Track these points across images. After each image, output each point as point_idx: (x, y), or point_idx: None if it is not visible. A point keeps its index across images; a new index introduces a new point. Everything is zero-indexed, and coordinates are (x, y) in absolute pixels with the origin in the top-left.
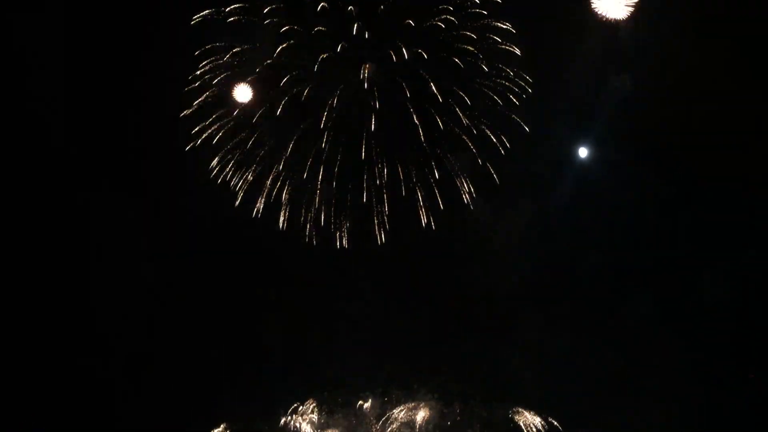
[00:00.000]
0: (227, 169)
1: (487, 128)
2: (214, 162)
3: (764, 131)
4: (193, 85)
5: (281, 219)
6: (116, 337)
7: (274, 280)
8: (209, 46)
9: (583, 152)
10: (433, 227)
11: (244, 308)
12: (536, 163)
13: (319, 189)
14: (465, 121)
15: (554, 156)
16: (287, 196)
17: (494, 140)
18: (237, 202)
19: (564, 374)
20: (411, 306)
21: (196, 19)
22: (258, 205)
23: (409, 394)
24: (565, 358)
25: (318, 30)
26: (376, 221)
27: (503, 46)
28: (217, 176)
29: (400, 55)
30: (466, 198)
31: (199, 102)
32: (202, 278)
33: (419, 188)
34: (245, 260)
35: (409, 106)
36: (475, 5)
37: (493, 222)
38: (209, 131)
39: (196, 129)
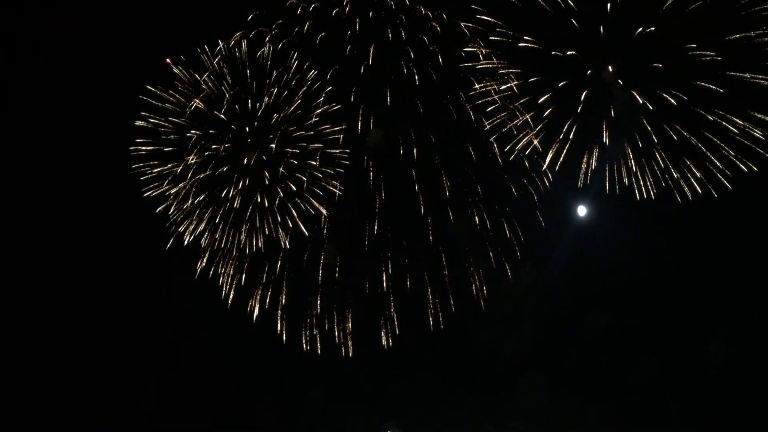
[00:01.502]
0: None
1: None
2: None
3: None
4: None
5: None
6: None
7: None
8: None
9: (582, 211)
10: (442, 327)
11: None
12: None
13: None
14: (477, 218)
15: (554, 215)
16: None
17: (512, 239)
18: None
19: None
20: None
21: None
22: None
23: None
24: (568, 421)
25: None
26: (382, 325)
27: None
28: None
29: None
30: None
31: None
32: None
33: (429, 289)
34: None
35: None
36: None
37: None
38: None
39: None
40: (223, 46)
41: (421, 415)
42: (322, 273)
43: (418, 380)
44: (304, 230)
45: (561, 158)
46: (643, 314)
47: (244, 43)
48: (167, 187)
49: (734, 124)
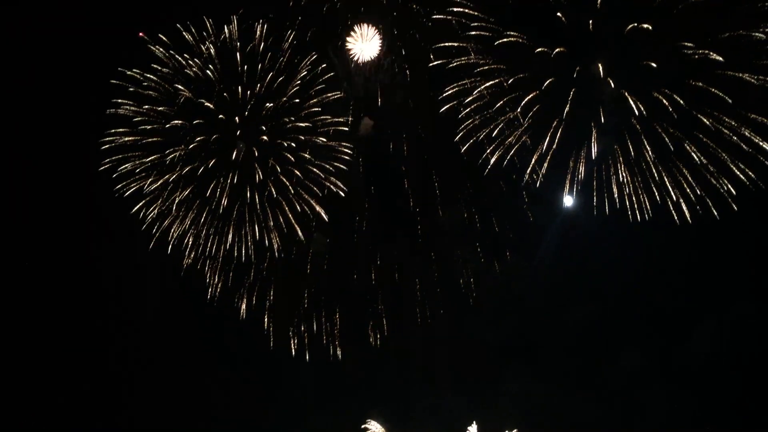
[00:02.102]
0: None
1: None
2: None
3: None
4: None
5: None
6: None
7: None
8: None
9: (568, 201)
10: (429, 321)
11: None
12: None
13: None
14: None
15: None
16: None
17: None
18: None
19: (551, 428)
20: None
21: None
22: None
23: None
24: (552, 411)
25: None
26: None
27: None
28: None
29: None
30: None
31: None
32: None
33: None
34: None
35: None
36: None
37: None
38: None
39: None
40: (210, 25)
41: (406, 407)
42: (310, 266)
43: (403, 372)
44: (300, 234)
45: (548, 158)
46: (627, 307)
47: (234, 22)
48: (144, 183)
49: (735, 131)
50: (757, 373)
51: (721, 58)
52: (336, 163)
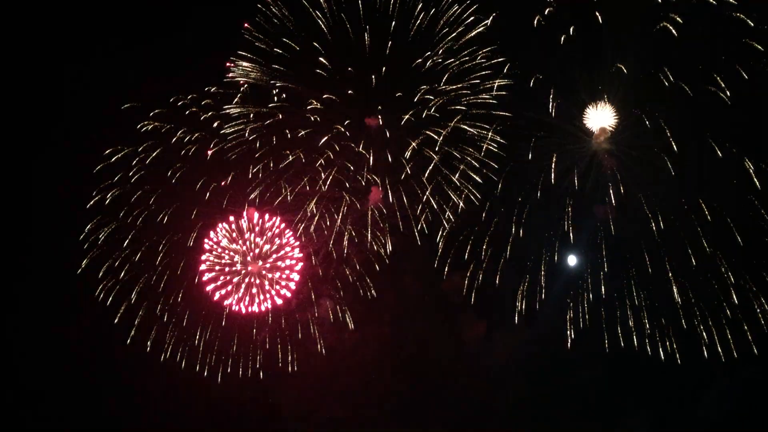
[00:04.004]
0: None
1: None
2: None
3: None
4: None
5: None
6: None
7: None
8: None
9: (572, 260)
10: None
11: None
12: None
13: None
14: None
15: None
16: None
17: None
18: None
19: None
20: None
21: None
22: None
23: None
24: None
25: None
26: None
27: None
28: None
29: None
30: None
31: None
32: None
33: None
34: None
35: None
36: None
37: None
38: None
39: None
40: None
41: None
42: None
43: None
44: None
45: None
46: (637, 368)
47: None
48: None
49: None
50: None
51: None
52: None
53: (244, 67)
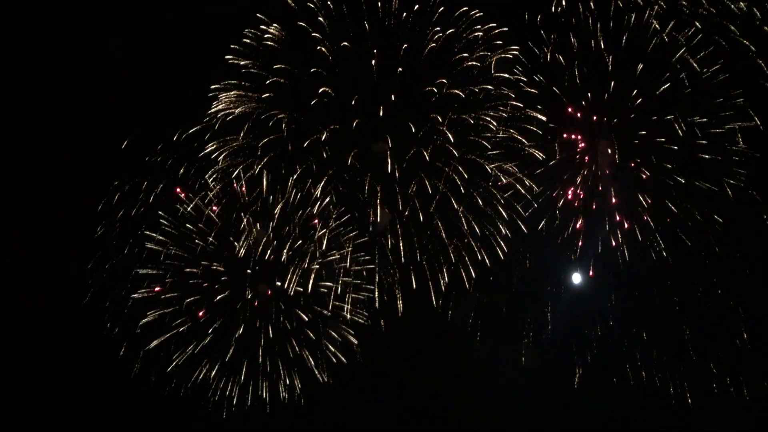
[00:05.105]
0: None
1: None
2: None
3: None
4: None
5: None
6: None
7: None
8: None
9: (576, 278)
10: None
11: None
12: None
13: None
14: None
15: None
16: None
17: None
18: None
19: None
20: None
21: None
22: None
23: None
24: None
25: None
26: None
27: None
28: None
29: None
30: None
31: None
32: None
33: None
34: None
35: None
36: None
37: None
38: None
39: None
40: None
41: None
42: None
43: None
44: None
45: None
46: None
47: None
48: None
49: None
50: None
51: None
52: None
53: (228, 96)
